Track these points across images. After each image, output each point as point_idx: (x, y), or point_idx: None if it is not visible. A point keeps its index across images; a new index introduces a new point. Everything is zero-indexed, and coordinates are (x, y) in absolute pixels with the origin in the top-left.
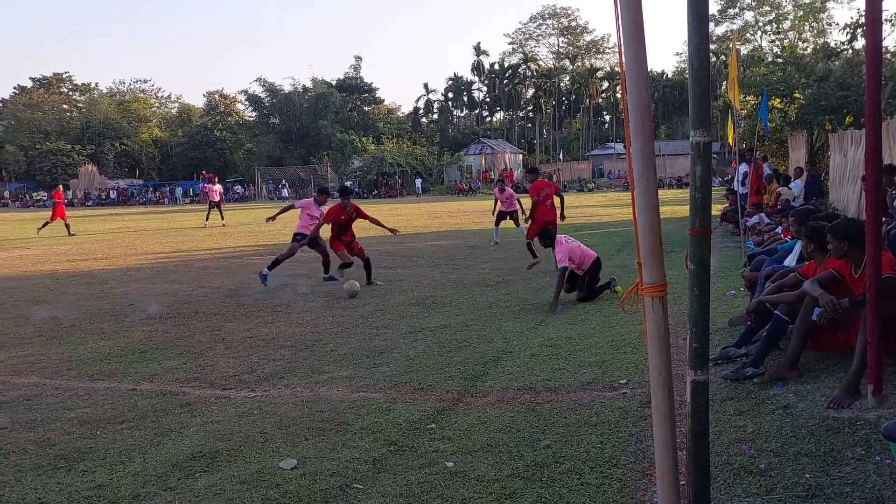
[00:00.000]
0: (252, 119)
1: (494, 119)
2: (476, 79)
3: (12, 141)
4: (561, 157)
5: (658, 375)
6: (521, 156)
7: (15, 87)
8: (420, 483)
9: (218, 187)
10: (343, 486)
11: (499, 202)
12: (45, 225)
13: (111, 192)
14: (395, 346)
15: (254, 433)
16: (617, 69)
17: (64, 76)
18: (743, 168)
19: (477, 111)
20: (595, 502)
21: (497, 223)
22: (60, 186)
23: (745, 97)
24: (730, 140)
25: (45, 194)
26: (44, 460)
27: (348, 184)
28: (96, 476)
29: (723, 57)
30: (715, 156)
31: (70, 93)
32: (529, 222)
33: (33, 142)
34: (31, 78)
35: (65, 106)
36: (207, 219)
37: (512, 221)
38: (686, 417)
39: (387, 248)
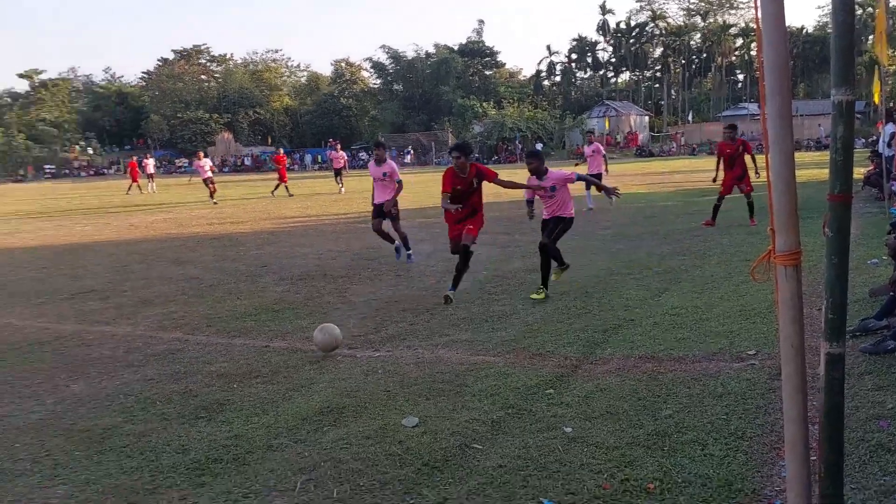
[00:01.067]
0: (376, 86)
1: (619, 80)
2: (601, 39)
3: (156, 111)
4: (690, 118)
5: (790, 346)
6: (647, 118)
7: (159, 60)
8: (538, 446)
9: (342, 154)
10: (462, 446)
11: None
12: (276, 188)
13: (245, 158)
14: (513, 312)
15: (378, 391)
16: (752, 25)
17: (202, 48)
18: (890, 128)
19: (601, 72)
20: (719, 473)
21: (588, 188)
22: (281, 150)
23: (893, 52)
24: (875, 98)
25: (186, 161)
26: (186, 410)
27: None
28: (233, 426)
29: (869, 9)
30: (858, 116)
31: (208, 64)
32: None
33: (175, 111)
34: (172, 50)
35: (203, 77)
36: (341, 185)
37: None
38: (819, 391)
39: (504, 213)
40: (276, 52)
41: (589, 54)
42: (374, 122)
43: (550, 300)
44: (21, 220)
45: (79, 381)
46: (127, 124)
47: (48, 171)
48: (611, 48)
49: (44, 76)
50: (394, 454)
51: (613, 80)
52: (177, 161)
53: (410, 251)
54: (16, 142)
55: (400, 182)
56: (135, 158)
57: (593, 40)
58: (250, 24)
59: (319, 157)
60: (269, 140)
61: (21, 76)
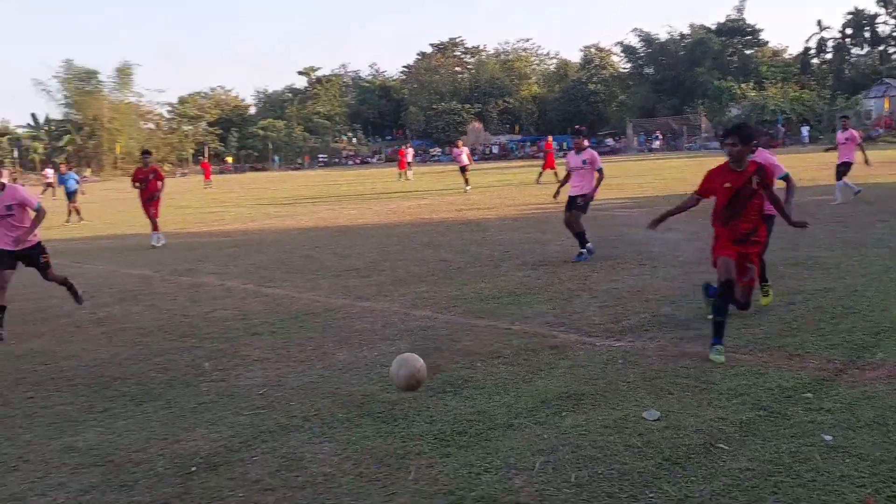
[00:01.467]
0: (626, 70)
1: None
2: (882, 11)
3: (414, 102)
4: None
5: None
6: None
7: (418, 54)
8: (792, 453)
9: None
10: (707, 444)
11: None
12: (540, 175)
13: (493, 147)
14: (769, 309)
15: (618, 381)
16: None
17: (457, 40)
18: None
19: (881, 48)
20: None
21: (838, 177)
22: (550, 137)
23: None
24: None
25: (440, 150)
26: (434, 383)
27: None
28: (477, 402)
29: None
30: None
31: (462, 56)
32: None
33: (430, 102)
34: (430, 44)
35: (457, 68)
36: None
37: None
38: None
39: None
40: (527, 41)
41: (867, 28)
42: (622, 107)
43: (812, 297)
44: (298, 204)
45: (343, 350)
46: (388, 116)
47: (321, 159)
48: (893, 21)
49: (319, 73)
50: (633, 446)
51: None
52: (431, 150)
53: (583, 249)
54: (295, 133)
55: (601, 170)
56: (402, 147)
57: (872, 13)
58: (503, 14)
59: (564, 143)
60: (517, 128)
61: (300, 73)
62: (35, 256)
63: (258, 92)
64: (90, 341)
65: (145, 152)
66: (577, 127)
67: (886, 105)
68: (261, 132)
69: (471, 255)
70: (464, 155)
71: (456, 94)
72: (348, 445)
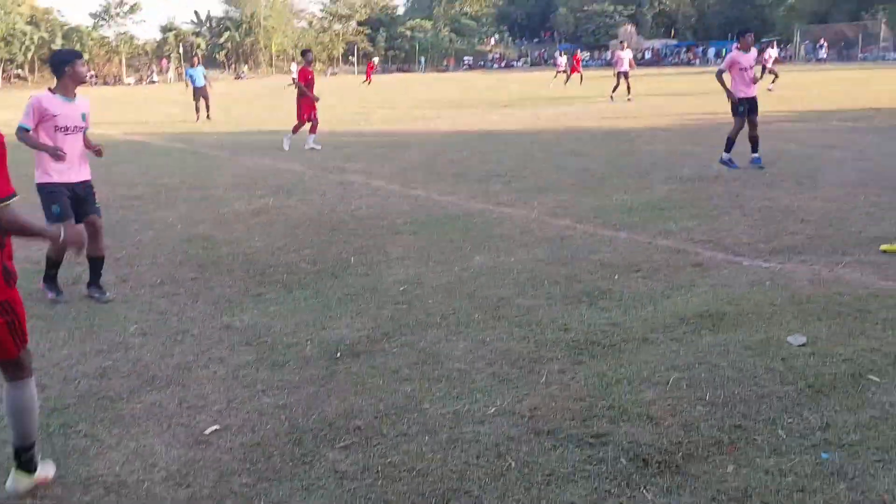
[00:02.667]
0: None
1: None
2: None
3: (564, 3)
4: None
5: None
6: None
7: None
8: None
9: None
10: (856, 375)
11: None
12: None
13: (646, 52)
14: None
15: (763, 303)
16: None
17: None
18: None
19: None
20: None
21: None
22: (578, 51)
23: None
24: None
25: (588, 54)
26: (570, 293)
27: None
28: (612, 314)
29: None
30: None
31: None
32: None
33: (582, 3)
34: None
35: None
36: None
37: None
38: None
39: None
40: None
41: None
42: (791, 11)
43: None
44: (443, 107)
45: (481, 254)
46: (536, 18)
47: (466, 62)
48: None
49: None
50: (774, 369)
51: None
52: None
53: (756, 155)
54: (442, 34)
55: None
56: (577, 52)
57: None
58: None
59: (724, 50)
60: (673, 33)
61: None
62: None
63: None
64: (247, 230)
65: (306, 52)
66: (746, 31)
67: None
68: (408, 33)
69: (615, 166)
70: (626, 60)
71: None
72: (483, 345)
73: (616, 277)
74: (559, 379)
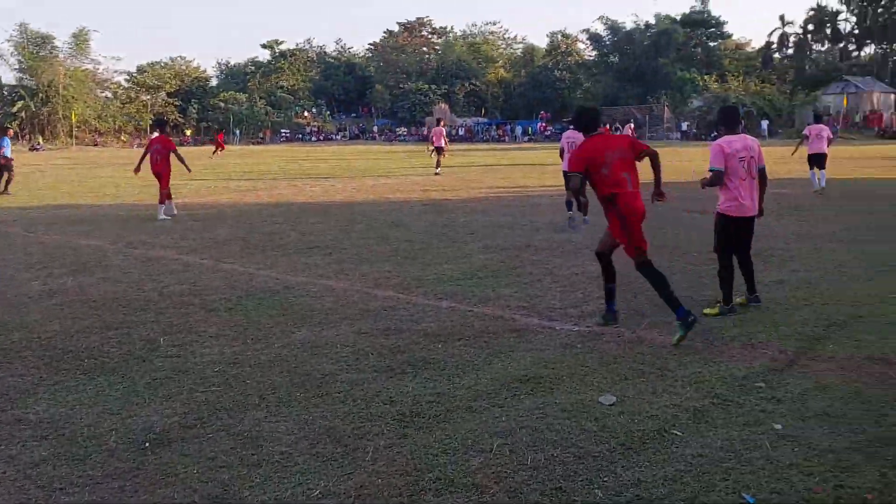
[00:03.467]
0: (591, 58)
1: (863, 54)
2: (843, 8)
3: (380, 81)
4: None
5: None
6: (893, 96)
7: (385, 32)
8: (743, 440)
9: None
10: (661, 430)
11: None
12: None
13: (459, 129)
14: None
15: (576, 365)
16: None
17: (425, 20)
18: None
19: (841, 45)
20: None
21: (811, 166)
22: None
23: None
24: None
25: (405, 130)
26: (395, 364)
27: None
28: (437, 384)
29: None
30: None
31: (429, 36)
32: None
33: (397, 82)
34: (397, 23)
35: (424, 48)
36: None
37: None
38: None
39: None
40: (495, 24)
41: (828, 25)
42: (587, 94)
43: (767, 289)
44: (258, 180)
45: (302, 329)
46: (353, 93)
47: (283, 134)
48: (854, 18)
49: (283, 47)
50: (589, 430)
51: (855, 54)
52: (397, 130)
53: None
54: (257, 107)
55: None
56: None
57: (834, 10)
58: None
59: (530, 128)
60: (483, 111)
61: (264, 46)
62: None
63: (220, 63)
64: (43, 313)
65: (162, 121)
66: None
67: (845, 102)
68: (222, 104)
69: (434, 236)
70: (441, 136)
71: (422, 75)
72: (306, 424)
73: (439, 346)
74: (385, 454)
